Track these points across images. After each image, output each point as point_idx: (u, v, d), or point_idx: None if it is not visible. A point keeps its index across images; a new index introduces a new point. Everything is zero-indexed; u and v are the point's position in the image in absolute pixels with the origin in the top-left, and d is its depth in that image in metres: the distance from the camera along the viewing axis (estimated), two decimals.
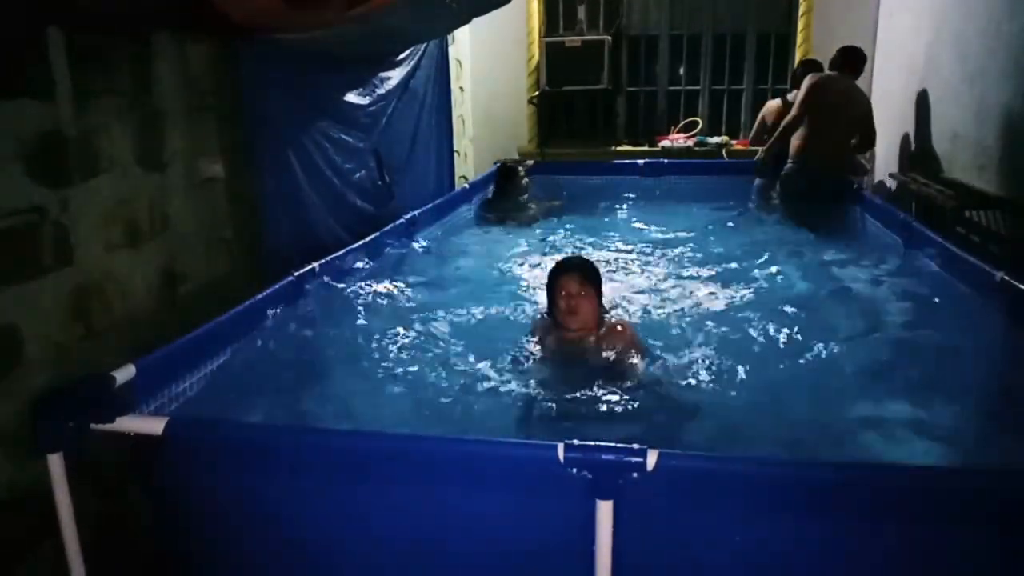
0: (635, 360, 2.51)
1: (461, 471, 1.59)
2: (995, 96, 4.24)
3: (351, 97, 4.14)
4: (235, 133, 3.14)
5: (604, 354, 2.49)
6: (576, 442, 1.48)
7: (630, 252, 4.30)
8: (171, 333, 2.13)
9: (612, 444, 1.48)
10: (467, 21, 4.78)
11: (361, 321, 3.01)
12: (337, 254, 3.17)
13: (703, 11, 6.99)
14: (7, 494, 2.01)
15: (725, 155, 6.70)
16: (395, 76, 4.62)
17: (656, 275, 3.81)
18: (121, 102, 2.52)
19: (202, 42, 2.94)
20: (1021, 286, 2.53)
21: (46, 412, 1.66)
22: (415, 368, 2.62)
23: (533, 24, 6.98)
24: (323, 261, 3.00)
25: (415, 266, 3.84)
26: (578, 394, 2.40)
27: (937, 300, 3.12)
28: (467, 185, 5.61)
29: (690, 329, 2.98)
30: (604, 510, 1.45)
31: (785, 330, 2.92)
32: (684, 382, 2.48)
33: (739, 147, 6.72)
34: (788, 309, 3.18)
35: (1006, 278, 2.62)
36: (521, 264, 4.07)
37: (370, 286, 3.34)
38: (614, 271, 3.86)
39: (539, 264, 3.98)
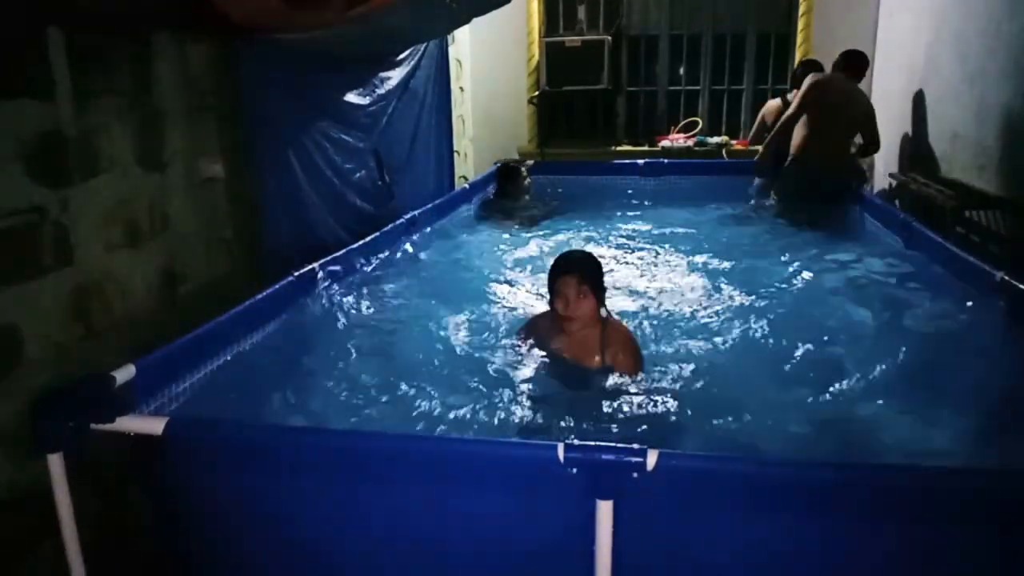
0: (635, 359, 2.50)
1: (461, 471, 1.59)
2: (995, 96, 4.24)
3: (351, 97, 4.14)
4: (235, 133, 3.14)
5: (604, 353, 2.48)
6: (576, 442, 1.48)
7: (630, 252, 4.30)
8: (171, 333, 2.13)
9: (612, 444, 1.48)
10: (467, 21, 4.78)
11: (361, 321, 3.01)
12: (337, 254, 3.17)
13: (703, 11, 6.99)
14: (7, 494, 2.01)
15: (725, 155, 6.70)
16: (395, 76, 4.62)
17: (656, 275, 3.81)
18: (121, 102, 2.52)
19: (202, 42, 2.94)
20: (1021, 286, 2.53)
21: (46, 412, 1.66)
22: (415, 368, 2.62)
23: (533, 24, 6.98)
24: (323, 261, 3.00)
25: (415, 266, 3.84)
26: (578, 393, 2.41)
27: (937, 300, 3.11)
28: (467, 185, 5.61)
29: (690, 329, 2.98)
30: (604, 510, 1.45)
31: (784, 330, 2.92)
32: (684, 382, 2.48)
33: (739, 147, 6.73)
34: (787, 309, 3.18)
35: (1006, 278, 2.62)
36: (522, 264, 4.07)
37: (370, 286, 3.34)
38: (614, 271, 3.85)
39: (539, 264, 3.98)
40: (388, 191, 4.48)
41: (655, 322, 3.08)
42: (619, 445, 1.47)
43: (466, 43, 6.61)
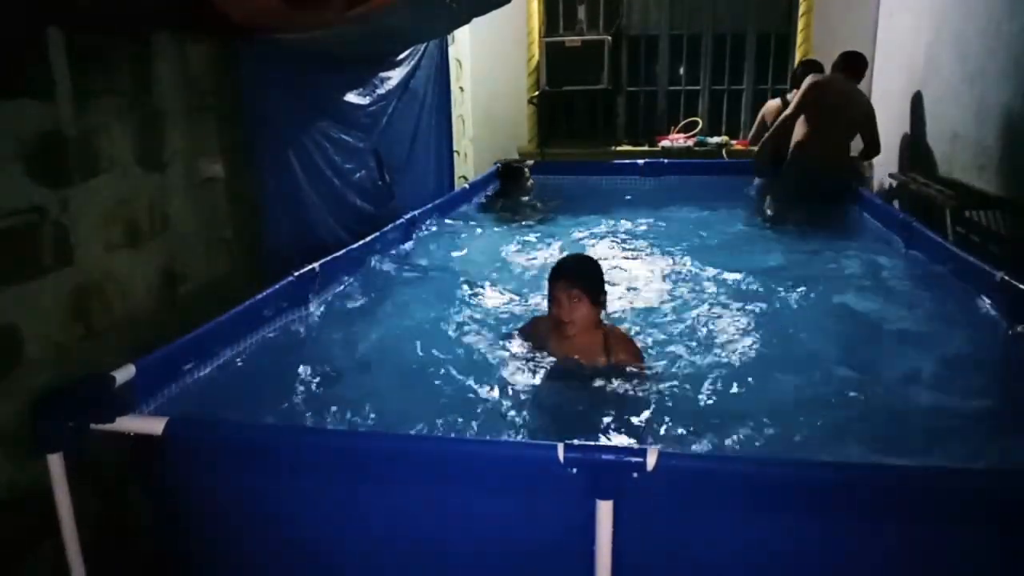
0: (637, 357, 2.50)
1: (461, 471, 1.59)
2: (995, 96, 4.24)
3: (351, 97, 4.14)
4: (235, 133, 3.14)
5: (604, 354, 2.48)
6: (576, 442, 1.48)
7: (630, 252, 4.30)
8: (171, 333, 2.13)
9: (612, 444, 1.48)
10: (467, 21, 4.78)
11: (360, 321, 3.01)
12: (337, 254, 3.17)
13: (703, 11, 6.99)
14: (7, 494, 2.01)
15: (725, 155, 6.70)
16: (395, 76, 4.62)
17: (655, 275, 3.81)
18: (121, 102, 2.52)
19: (202, 42, 2.94)
20: (1021, 286, 2.53)
21: (46, 412, 1.66)
22: (414, 368, 2.61)
23: (533, 24, 6.98)
24: (323, 261, 3.00)
25: (415, 266, 3.84)
26: (578, 394, 2.40)
27: (937, 300, 3.12)
28: (467, 185, 5.61)
29: (689, 329, 2.98)
30: (604, 510, 1.45)
31: (784, 330, 2.92)
32: (683, 382, 2.48)
33: (739, 147, 6.73)
34: (787, 309, 3.18)
35: (1006, 278, 2.62)
36: (522, 264, 4.07)
37: (370, 286, 3.34)
38: (614, 271, 3.85)
39: (539, 264, 3.98)
40: (389, 191, 4.48)
41: (654, 322, 3.08)
42: (619, 445, 1.48)
43: (466, 43, 6.61)
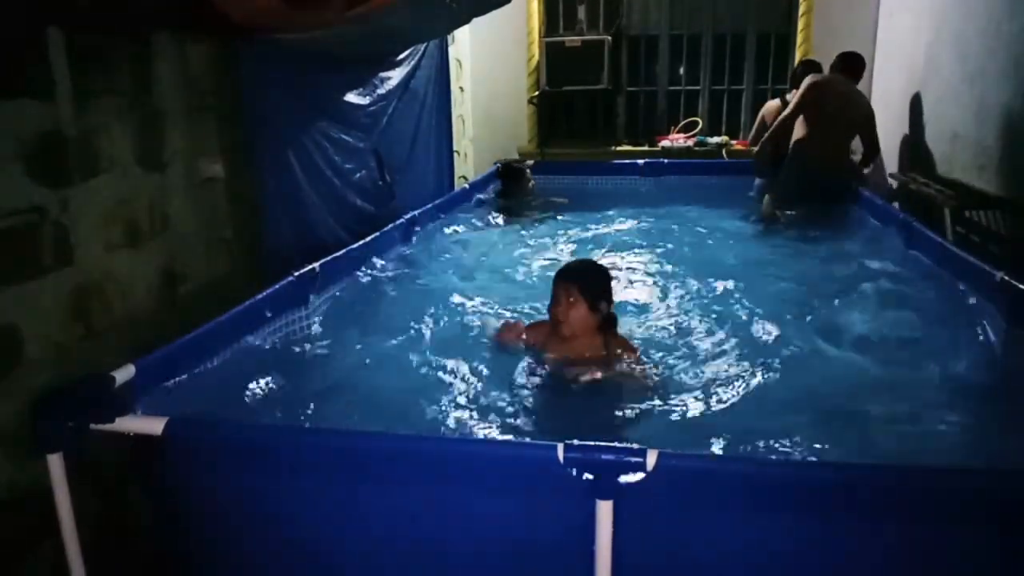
0: (632, 362, 2.50)
1: (461, 471, 1.59)
2: (995, 96, 4.24)
3: (351, 97, 4.14)
4: (235, 133, 3.14)
5: (600, 358, 2.48)
6: (576, 442, 1.48)
7: (630, 252, 4.29)
8: (171, 333, 2.13)
9: (612, 444, 1.48)
10: (467, 21, 4.78)
11: (361, 321, 3.00)
12: (337, 254, 3.17)
13: (703, 11, 6.99)
14: (7, 494, 2.01)
15: (725, 155, 6.70)
16: (395, 76, 4.62)
17: (655, 276, 3.81)
18: (121, 102, 2.52)
19: (202, 42, 2.94)
20: (1021, 286, 2.53)
21: (46, 412, 1.66)
22: (415, 368, 2.61)
23: (533, 24, 6.98)
24: (323, 261, 3.00)
25: (415, 266, 3.84)
26: (578, 394, 2.41)
27: (937, 300, 3.11)
28: (467, 185, 5.61)
29: (688, 329, 2.98)
30: (604, 510, 1.45)
31: (784, 329, 2.92)
32: (683, 382, 2.48)
33: (739, 147, 6.73)
34: (787, 309, 3.18)
35: (1006, 278, 2.62)
36: (522, 264, 4.07)
37: (370, 286, 3.34)
38: (613, 271, 3.85)
39: (539, 265, 3.98)
40: (389, 191, 4.48)
41: (654, 322, 3.08)
42: (619, 445, 1.47)
43: (466, 43, 6.61)
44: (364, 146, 4.25)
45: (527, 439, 2.17)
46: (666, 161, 6.16)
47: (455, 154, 6.11)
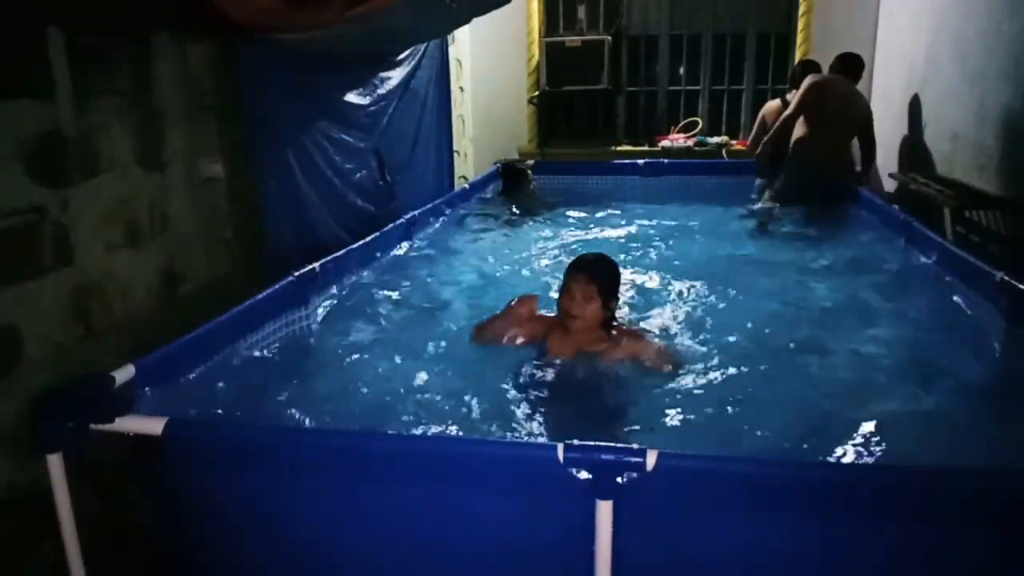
0: (636, 357, 2.50)
1: (461, 471, 1.59)
2: (995, 96, 4.24)
3: (351, 97, 4.14)
4: (235, 133, 3.14)
5: (611, 353, 2.48)
6: (576, 442, 1.48)
7: (630, 252, 4.29)
8: (171, 333, 2.13)
9: (612, 444, 1.48)
10: (467, 21, 4.78)
11: (361, 321, 3.00)
12: (337, 254, 3.17)
13: (703, 11, 6.99)
14: (7, 494, 2.01)
15: (725, 155, 6.71)
16: (395, 76, 4.62)
17: (656, 275, 3.81)
18: (121, 102, 2.53)
19: (202, 42, 2.94)
20: (1021, 286, 2.53)
21: (46, 412, 1.66)
22: (415, 368, 2.61)
23: (533, 24, 6.98)
24: (323, 261, 3.00)
25: (415, 266, 3.84)
26: (578, 393, 2.40)
27: (937, 300, 3.11)
28: (467, 185, 5.61)
29: (689, 329, 2.97)
30: (604, 510, 1.45)
31: (784, 329, 2.92)
32: (683, 382, 2.48)
33: (739, 147, 6.73)
34: (787, 309, 3.18)
35: (1006, 278, 2.62)
36: (522, 264, 4.07)
37: (370, 286, 3.34)
38: None
39: (539, 264, 3.98)
40: (390, 191, 4.48)
41: (654, 322, 3.08)
42: (619, 445, 1.47)
43: (466, 43, 6.61)
44: (364, 146, 4.25)
45: (527, 439, 2.17)
46: (666, 161, 6.16)
47: (455, 154, 6.11)
